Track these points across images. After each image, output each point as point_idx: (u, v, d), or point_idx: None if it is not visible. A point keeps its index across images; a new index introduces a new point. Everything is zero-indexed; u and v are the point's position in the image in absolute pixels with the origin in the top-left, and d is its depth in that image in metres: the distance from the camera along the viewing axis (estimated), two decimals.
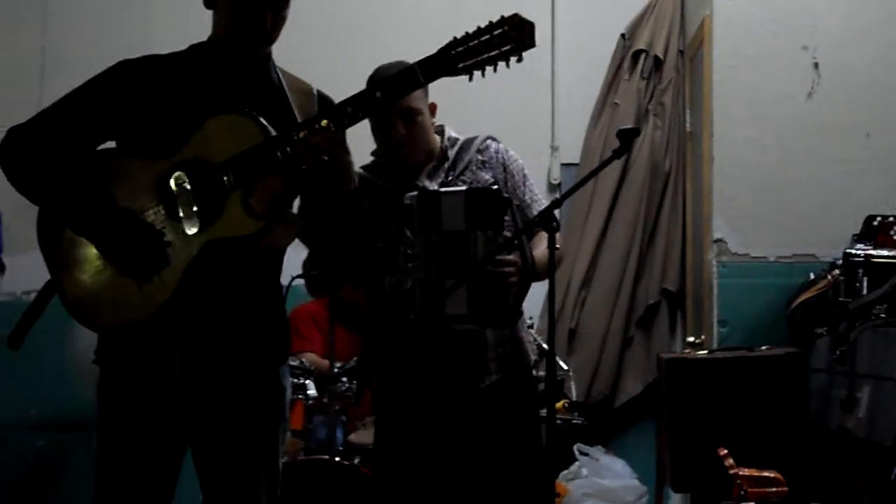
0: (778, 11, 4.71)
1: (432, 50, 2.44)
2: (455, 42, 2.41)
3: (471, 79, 2.42)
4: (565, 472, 4.68)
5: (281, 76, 2.68)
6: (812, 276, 4.32)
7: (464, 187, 3.09)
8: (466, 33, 2.41)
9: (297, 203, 2.74)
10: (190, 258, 2.45)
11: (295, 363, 4.24)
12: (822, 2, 4.72)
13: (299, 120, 2.57)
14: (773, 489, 3.35)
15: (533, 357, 3.32)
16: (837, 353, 3.70)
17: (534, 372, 3.53)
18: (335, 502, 3.92)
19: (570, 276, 5.37)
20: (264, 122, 2.46)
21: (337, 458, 3.97)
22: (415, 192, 3.03)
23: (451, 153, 3.24)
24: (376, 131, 3.19)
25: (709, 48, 4.78)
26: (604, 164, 3.03)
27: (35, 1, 5.65)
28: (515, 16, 2.40)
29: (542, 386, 3.85)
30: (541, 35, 2.45)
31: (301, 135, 2.43)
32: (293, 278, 3.82)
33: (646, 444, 5.16)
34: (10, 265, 4.93)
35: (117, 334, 2.56)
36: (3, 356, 2.76)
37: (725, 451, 3.48)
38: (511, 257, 2.94)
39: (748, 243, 4.68)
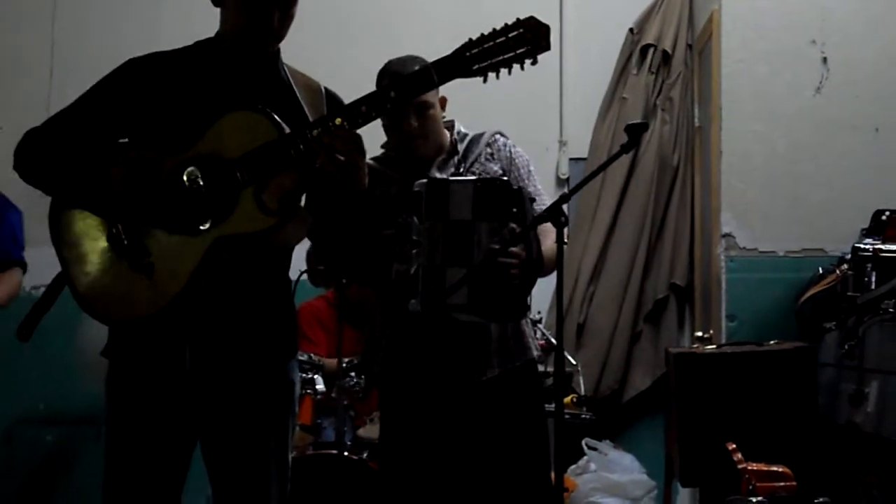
0: (786, 5, 4.70)
1: (444, 46, 2.45)
2: (470, 43, 2.41)
3: (485, 80, 2.42)
4: (574, 466, 4.69)
5: (289, 73, 2.68)
6: (821, 270, 4.31)
7: (474, 177, 3.11)
8: (482, 35, 2.41)
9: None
10: (201, 252, 2.45)
11: (303, 358, 4.25)
12: None
13: (310, 116, 2.58)
14: (782, 484, 3.35)
15: (537, 352, 3.33)
16: (846, 347, 3.70)
17: (542, 367, 3.54)
18: (344, 497, 3.94)
19: (578, 270, 5.37)
20: (278, 119, 2.46)
21: (345, 453, 3.98)
22: (424, 180, 3.04)
23: (461, 147, 3.27)
24: (389, 125, 3.21)
25: (717, 42, 4.77)
26: (612, 159, 3.03)
27: None
28: (531, 18, 2.40)
29: (550, 380, 3.85)
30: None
31: (315, 133, 2.43)
32: (301, 273, 3.82)
33: (654, 439, 5.16)
34: None
35: (127, 328, 2.57)
36: (12, 351, 2.79)
37: (734, 446, 3.47)
38: (515, 249, 2.95)
39: (757, 238, 4.67)
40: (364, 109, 2.45)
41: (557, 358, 2.84)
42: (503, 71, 2.41)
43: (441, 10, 5.58)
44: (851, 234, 4.24)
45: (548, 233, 3.01)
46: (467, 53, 2.41)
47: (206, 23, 2.69)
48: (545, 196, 3.26)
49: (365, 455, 4.04)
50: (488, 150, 3.28)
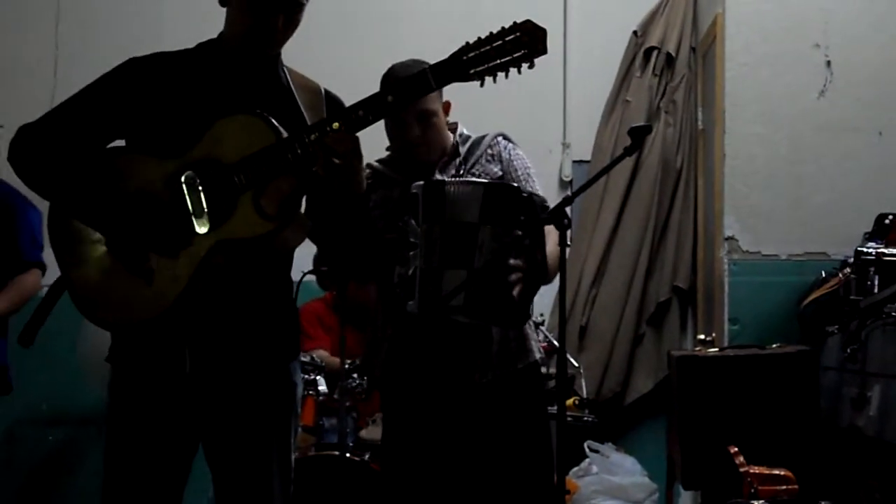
0: (790, 9, 4.71)
1: (447, 47, 2.44)
2: (467, 47, 2.41)
3: (482, 84, 2.42)
4: (576, 468, 4.69)
5: (288, 75, 2.68)
6: (823, 274, 4.31)
7: (484, 180, 3.10)
8: (479, 38, 2.41)
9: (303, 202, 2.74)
10: (199, 258, 2.45)
11: (306, 359, 4.25)
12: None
13: (308, 119, 2.58)
14: (784, 487, 3.35)
15: (539, 355, 3.32)
16: (848, 351, 3.70)
17: (544, 369, 3.53)
18: (346, 498, 3.94)
19: (581, 273, 5.37)
20: (276, 123, 2.46)
21: (347, 455, 3.98)
22: (421, 182, 3.03)
23: (463, 149, 3.25)
24: (391, 133, 3.20)
25: (721, 45, 4.77)
26: (615, 162, 3.03)
27: None
28: (528, 22, 2.40)
29: (552, 383, 3.85)
30: (553, 32, 2.45)
31: (312, 137, 2.43)
32: (304, 274, 3.83)
33: (656, 442, 5.16)
34: None
35: (126, 332, 2.57)
36: (15, 351, 2.78)
37: (736, 449, 3.47)
38: (518, 262, 2.94)
39: (759, 241, 4.67)
40: (362, 114, 2.45)
41: (560, 360, 2.84)
42: (500, 75, 2.41)
43: (445, 11, 5.58)
44: (854, 238, 4.24)
45: (549, 235, 3.01)
46: (464, 57, 2.41)
47: (211, 23, 2.69)
48: (545, 202, 3.25)
49: (367, 456, 4.04)
50: (489, 152, 3.27)
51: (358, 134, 2.48)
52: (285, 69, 2.69)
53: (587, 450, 4.78)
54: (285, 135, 2.45)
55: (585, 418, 4.79)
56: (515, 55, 2.39)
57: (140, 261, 2.46)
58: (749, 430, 3.73)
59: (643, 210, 5.38)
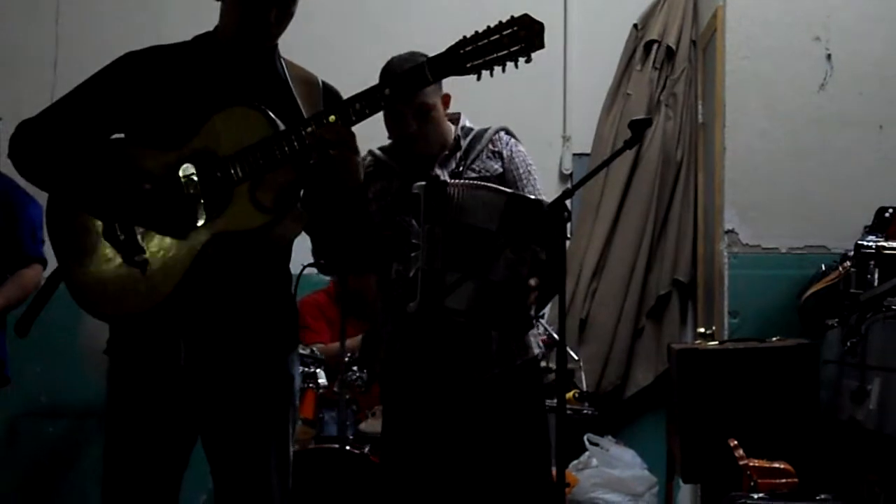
0: (791, 2, 4.70)
1: (449, 40, 2.44)
2: (464, 41, 2.41)
3: (479, 78, 2.42)
4: (575, 462, 4.69)
5: (286, 67, 2.67)
6: (823, 267, 4.31)
7: (509, 190, 3.07)
8: (476, 32, 2.41)
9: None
10: (196, 250, 2.45)
11: (305, 352, 4.25)
12: None
13: (304, 111, 2.58)
14: (783, 480, 3.35)
15: (539, 349, 3.32)
16: (848, 344, 3.70)
17: (544, 362, 3.53)
18: (345, 491, 3.94)
19: (581, 266, 5.37)
20: (273, 115, 2.46)
21: (347, 447, 3.99)
22: (422, 182, 3.02)
23: (464, 143, 3.25)
24: (389, 126, 3.19)
25: (721, 38, 4.77)
26: (615, 155, 3.03)
27: None
28: (525, 16, 2.40)
29: (552, 376, 3.86)
30: (553, 25, 2.45)
31: (309, 129, 2.43)
32: (304, 267, 3.82)
33: (656, 435, 5.15)
34: None
35: (122, 324, 2.57)
36: (14, 343, 2.78)
37: (735, 442, 3.48)
38: (535, 282, 2.92)
39: (759, 234, 4.68)
40: (358, 107, 2.44)
41: (560, 353, 2.84)
42: (497, 69, 2.41)
43: (447, 3, 5.56)
44: (854, 231, 4.24)
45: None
46: (461, 51, 2.40)
47: (211, 17, 2.68)
48: (544, 198, 3.24)
49: (367, 449, 4.05)
50: (491, 147, 3.26)
51: (360, 123, 2.47)
52: (283, 61, 2.68)
53: (587, 443, 4.78)
54: (282, 127, 2.45)
55: (585, 411, 4.78)
56: (512, 49, 2.38)
57: (135, 251, 2.46)
58: (749, 424, 3.74)
59: (643, 203, 5.37)
